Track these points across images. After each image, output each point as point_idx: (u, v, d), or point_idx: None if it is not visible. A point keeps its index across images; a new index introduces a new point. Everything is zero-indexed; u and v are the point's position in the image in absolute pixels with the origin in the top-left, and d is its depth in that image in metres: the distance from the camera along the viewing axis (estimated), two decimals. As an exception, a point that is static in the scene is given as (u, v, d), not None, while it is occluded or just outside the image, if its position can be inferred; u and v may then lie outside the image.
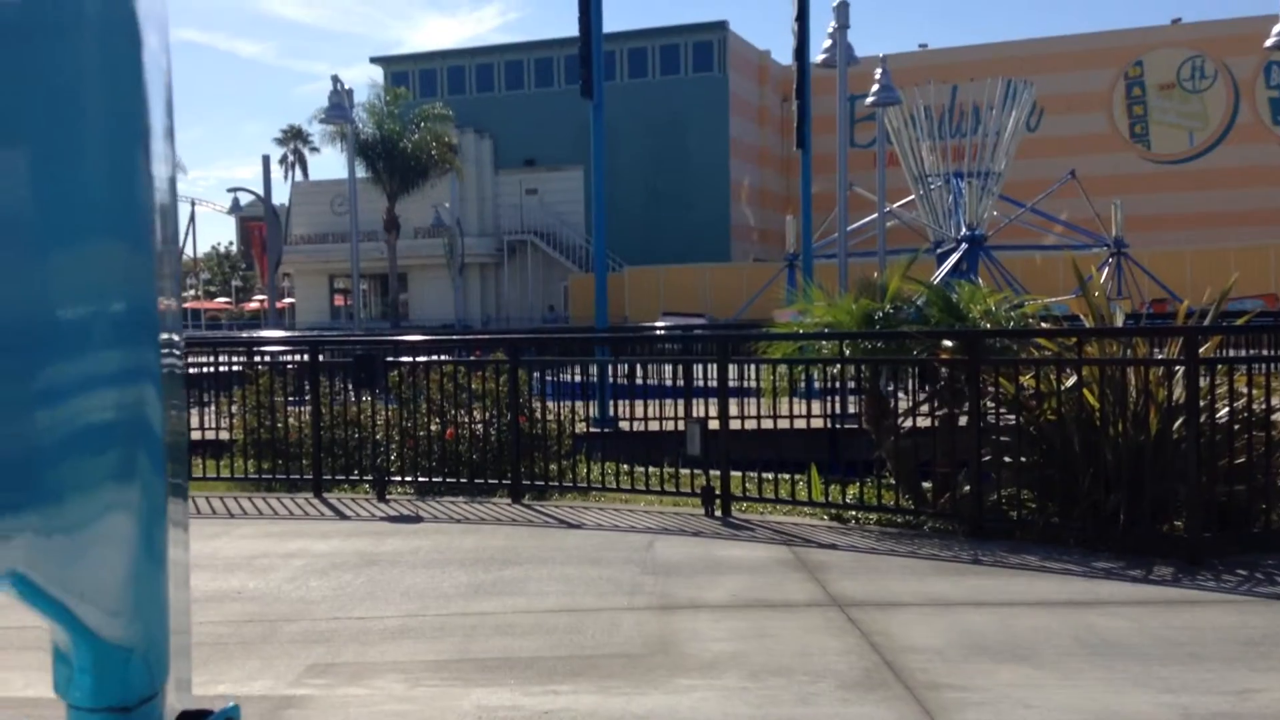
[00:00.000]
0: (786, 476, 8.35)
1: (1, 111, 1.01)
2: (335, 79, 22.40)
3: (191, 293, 61.32)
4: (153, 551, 1.23)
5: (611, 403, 12.22)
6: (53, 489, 1.07)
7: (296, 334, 27.11)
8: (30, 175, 1.04)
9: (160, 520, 1.24)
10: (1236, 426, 6.81)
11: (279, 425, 9.99)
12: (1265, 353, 8.88)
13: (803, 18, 19.59)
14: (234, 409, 10.60)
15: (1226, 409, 6.79)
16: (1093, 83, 50.03)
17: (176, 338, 1.28)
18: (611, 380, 12.62)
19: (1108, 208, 35.85)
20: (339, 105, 22.43)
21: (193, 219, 56.03)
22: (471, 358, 11.18)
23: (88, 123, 1.11)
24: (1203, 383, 6.65)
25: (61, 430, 1.08)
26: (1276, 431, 6.81)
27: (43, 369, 1.05)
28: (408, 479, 9.39)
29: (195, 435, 10.70)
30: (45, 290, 1.06)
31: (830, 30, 16.97)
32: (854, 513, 7.90)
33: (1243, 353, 9.55)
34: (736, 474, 8.30)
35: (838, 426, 9.32)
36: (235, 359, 12.05)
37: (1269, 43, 16.53)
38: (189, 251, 57.40)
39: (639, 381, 11.06)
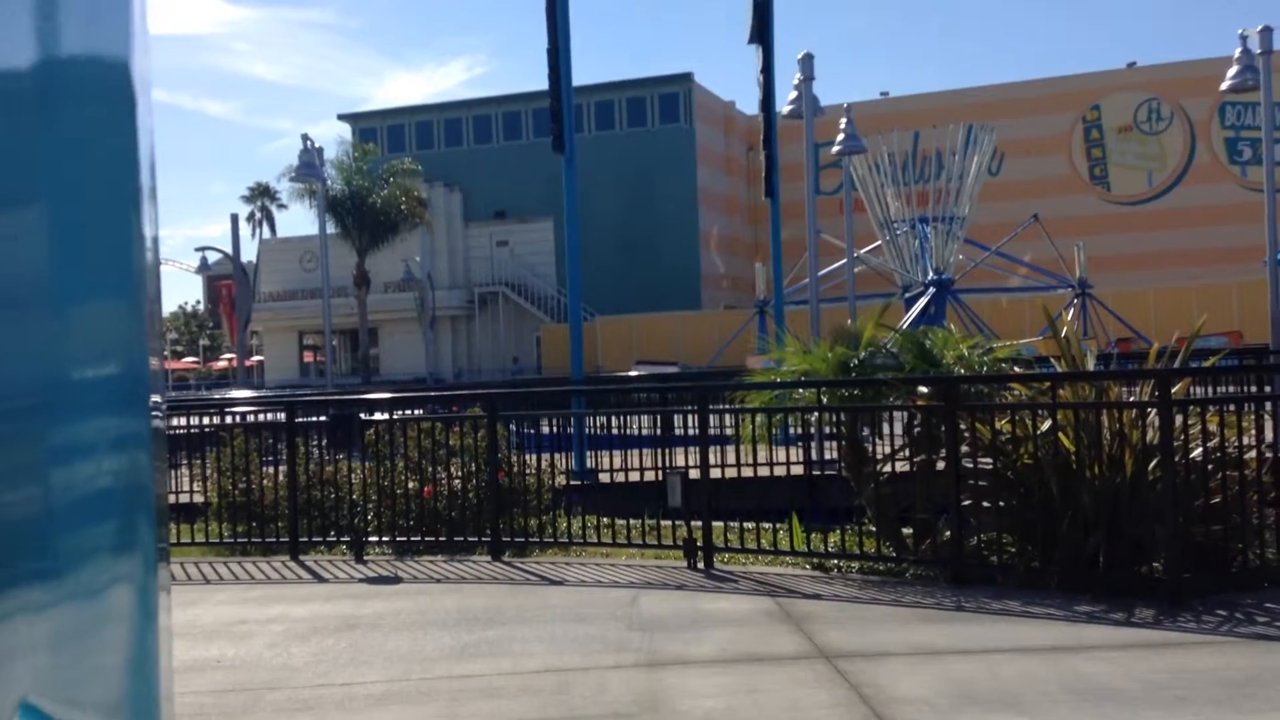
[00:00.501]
0: (768, 526, 8.35)
1: (7, 176, 1.00)
2: (305, 137, 22.48)
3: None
4: (148, 644, 1.20)
5: (590, 454, 12.22)
6: (61, 568, 1.02)
7: (271, 394, 26.90)
8: (40, 237, 1.03)
9: (153, 591, 1.21)
10: (1210, 466, 6.89)
11: (254, 487, 9.90)
12: (1234, 390, 9.02)
13: (768, 70, 19.87)
14: (208, 471, 10.49)
15: (1200, 449, 6.87)
16: (1052, 127, 50.91)
17: (161, 398, 1.26)
18: (589, 431, 12.61)
19: (1071, 249, 36.33)
20: (309, 163, 22.47)
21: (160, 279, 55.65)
22: (449, 412, 11.14)
23: (91, 186, 1.11)
24: (1176, 423, 6.74)
25: (66, 499, 1.04)
26: (1249, 470, 6.89)
27: (48, 433, 1.02)
28: (385, 539, 9.31)
29: (170, 499, 10.58)
30: (50, 354, 1.03)
31: (796, 81, 17.23)
32: (836, 561, 7.90)
33: (1213, 391, 9.67)
34: (718, 524, 8.29)
35: (817, 474, 9.35)
36: (208, 420, 11.95)
37: (1224, 85, 16.91)
38: (157, 311, 56.98)
39: (616, 432, 11.06)
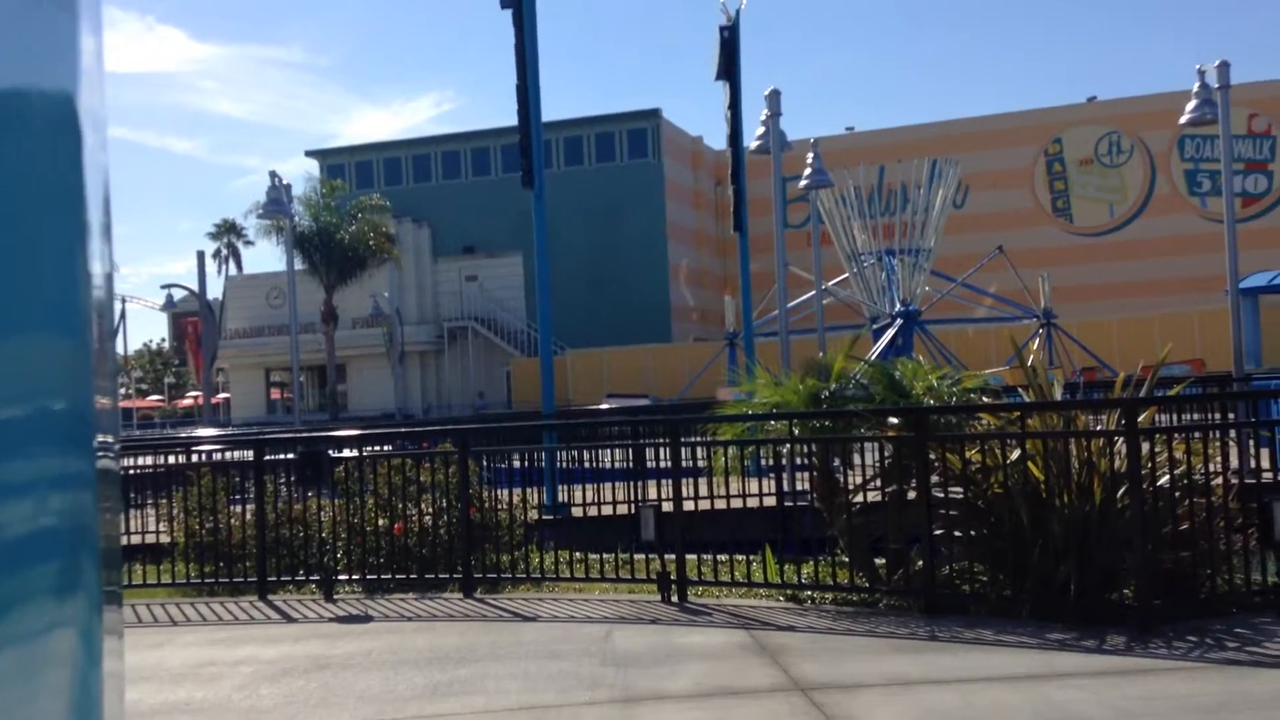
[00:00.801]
0: (741, 558, 8.34)
1: None
2: (274, 174, 22.40)
3: (123, 391, 60.12)
4: (92, 689, 1.16)
5: (562, 488, 12.16)
6: None
7: (238, 431, 26.64)
8: None
9: (97, 636, 1.18)
10: (1178, 494, 6.96)
11: (221, 526, 9.78)
12: (1199, 418, 9.13)
13: (735, 106, 20.08)
14: (174, 511, 10.36)
15: (1167, 476, 6.93)
16: (1014, 160, 51.63)
17: (111, 438, 1.24)
18: (561, 465, 12.57)
19: (1035, 280, 36.74)
20: (277, 200, 22.40)
21: (124, 316, 55.10)
22: (420, 448, 11.08)
23: (27, 219, 1.09)
24: (1143, 451, 6.81)
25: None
26: (1216, 497, 6.97)
27: None
28: (356, 577, 9.22)
29: (135, 539, 10.43)
30: None
31: (764, 117, 17.39)
32: (810, 592, 7.89)
33: (1178, 419, 9.79)
34: (692, 557, 8.27)
35: (789, 505, 9.36)
36: (174, 459, 11.81)
37: (1183, 119, 17.22)
38: (120, 349, 56.38)
39: (588, 466, 11.03)
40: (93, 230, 1.20)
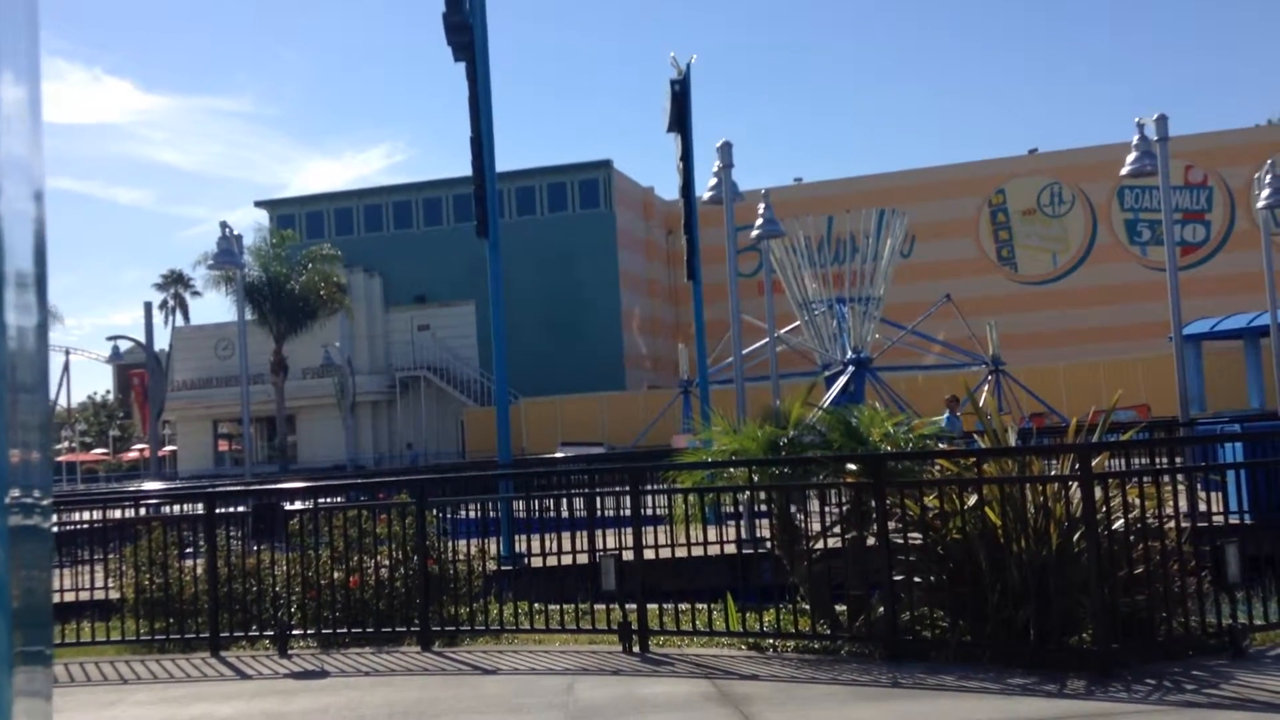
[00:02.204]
0: (703, 606, 8.32)
1: None
2: (224, 224, 22.26)
3: (67, 444, 58.86)
4: None
5: (520, 538, 12.07)
6: None
7: (188, 484, 26.19)
8: None
9: (4, 696, 1.12)
10: (1132, 537, 7.06)
11: (172, 581, 9.58)
12: (1148, 463, 9.27)
13: (687, 157, 20.31)
14: (123, 566, 10.13)
15: (1121, 520, 7.04)
16: (959, 210, 52.59)
17: (38, 493, 1.20)
18: (518, 514, 12.48)
19: (983, 327, 37.29)
20: (228, 250, 22.24)
21: (67, 368, 54.12)
22: (375, 499, 10.96)
23: None
24: (1097, 495, 6.91)
25: None
26: (1169, 540, 7.08)
27: None
28: (311, 631, 9.06)
29: (84, 595, 10.18)
30: None
31: (715, 169, 17.62)
32: (772, 640, 7.88)
33: (1127, 464, 9.95)
34: (653, 606, 8.23)
35: (749, 552, 9.36)
36: (120, 513, 11.57)
37: (1124, 170, 17.69)
38: (63, 402, 55.27)
39: (547, 515, 10.97)
40: (10, 280, 1.16)
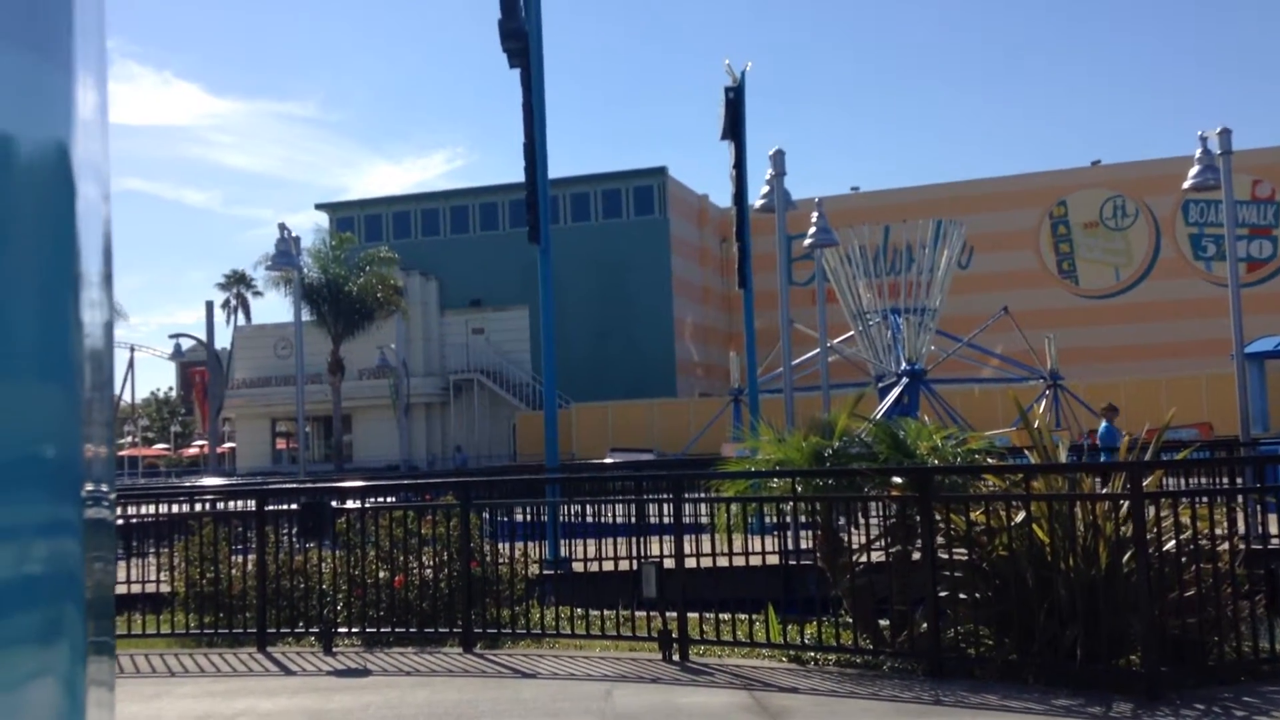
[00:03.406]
0: (744, 617, 8.27)
1: None
2: (283, 226, 22.59)
3: (129, 439, 60.06)
4: None
5: (564, 542, 12.10)
6: None
7: (242, 481, 26.59)
8: None
9: (80, 685, 1.16)
10: (1184, 559, 6.91)
11: (222, 577, 9.73)
12: (1206, 483, 9.07)
13: (740, 165, 20.29)
14: (175, 560, 10.31)
15: (1173, 541, 6.89)
16: (1019, 222, 51.90)
17: (105, 487, 1.23)
18: (563, 519, 12.51)
19: (1041, 341, 36.75)
20: (286, 251, 22.57)
21: (131, 365, 55.22)
22: (422, 500, 11.05)
23: (12, 267, 1.09)
24: (1148, 515, 6.77)
25: None
26: (1223, 563, 6.92)
27: None
28: (355, 630, 9.15)
29: (135, 589, 10.37)
30: None
31: (768, 176, 17.56)
32: (813, 653, 7.81)
33: (1185, 483, 9.74)
34: (694, 615, 8.20)
35: (793, 564, 9.29)
36: (177, 508, 11.79)
37: (1186, 183, 17.34)
38: (127, 398, 56.40)
39: (591, 520, 10.98)
40: (88, 279, 1.20)
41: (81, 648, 1.16)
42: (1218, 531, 6.99)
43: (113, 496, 1.29)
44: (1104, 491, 7.36)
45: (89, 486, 1.19)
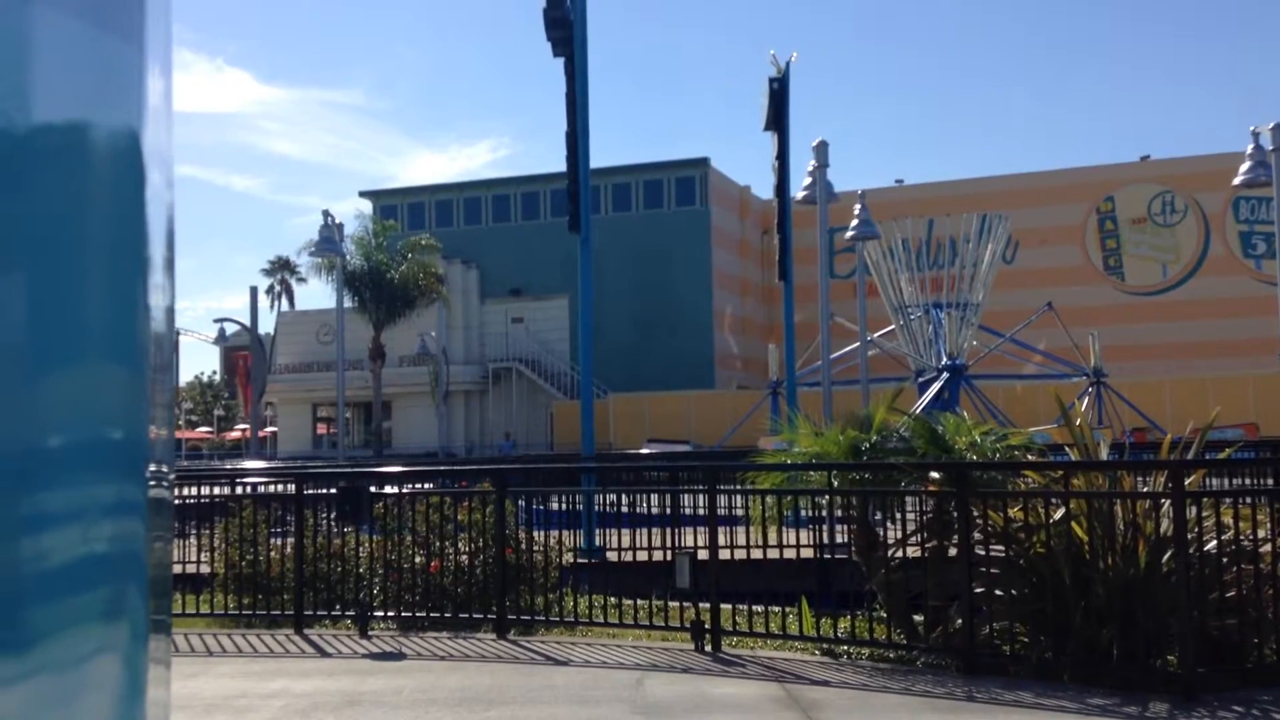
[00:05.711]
0: (777, 609, 8.25)
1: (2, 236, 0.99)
2: (326, 214, 22.80)
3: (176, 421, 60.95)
4: (135, 717, 1.16)
5: (599, 532, 12.14)
6: (35, 638, 1.00)
7: (281, 465, 26.90)
8: (27, 302, 1.02)
9: (141, 663, 1.18)
10: (1225, 559, 6.81)
11: (261, 559, 9.85)
12: (1249, 483, 8.93)
13: (783, 156, 20.17)
14: (216, 542, 10.45)
15: (1214, 542, 6.79)
16: (1065, 217, 51.23)
17: (166, 468, 1.26)
18: (598, 508, 12.55)
19: (1085, 338, 36.34)
20: (329, 238, 22.78)
21: (177, 348, 56.08)
22: (459, 487, 11.12)
23: (87, 252, 1.11)
24: (1189, 515, 6.67)
25: (44, 567, 1.02)
26: (1265, 564, 6.81)
27: (28, 498, 1.00)
28: (391, 613, 9.23)
29: (176, 569, 10.53)
30: (36, 417, 1.02)
31: (810, 169, 17.47)
32: (846, 647, 7.79)
33: (1229, 483, 9.59)
34: (727, 606, 8.20)
35: (828, 557, 9.26)
36: (218, 490, 11.95)
37: (1237, 180, 17.07)
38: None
39: (626, 510, 11.00)
40: (154, 264, 1.22)
41: (143, 626, 1.18)
42: (1260, 533, 6.88)
43: (172, 477, 1.32)
44: (1145, 490, 7.27)
45: (152, 467, 1.21)
